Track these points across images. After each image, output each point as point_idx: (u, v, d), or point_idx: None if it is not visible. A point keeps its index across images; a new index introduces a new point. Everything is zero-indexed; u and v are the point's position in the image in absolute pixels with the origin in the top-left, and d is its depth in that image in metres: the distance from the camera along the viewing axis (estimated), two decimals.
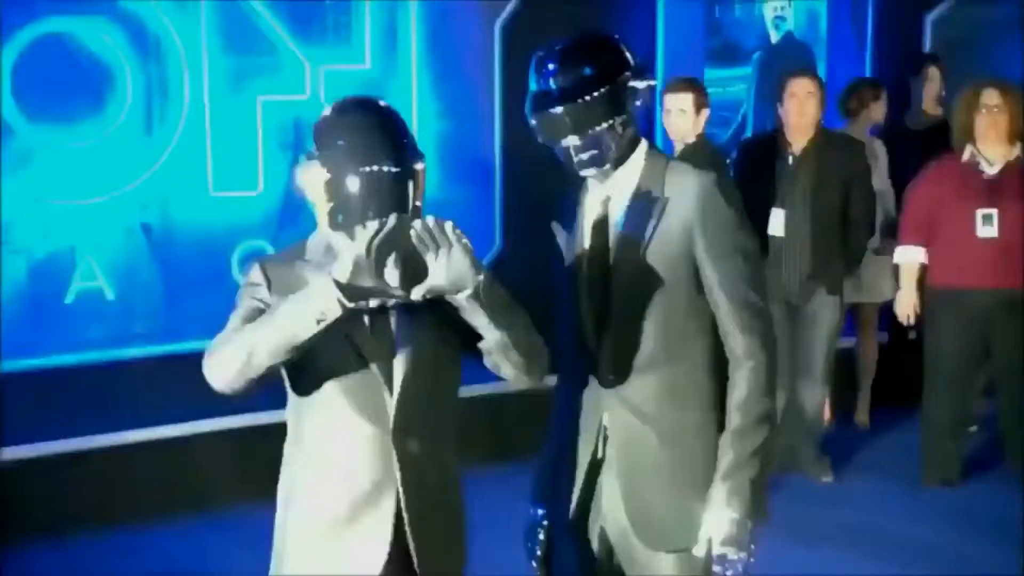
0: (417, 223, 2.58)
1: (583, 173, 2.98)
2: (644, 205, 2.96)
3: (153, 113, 5.80)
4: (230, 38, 5.88)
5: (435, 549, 2.80)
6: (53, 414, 5.59)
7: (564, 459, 3.13)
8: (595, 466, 3.05)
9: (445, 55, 6.33)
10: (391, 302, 2.68)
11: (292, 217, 5.92)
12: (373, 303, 2.68)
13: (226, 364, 2.62)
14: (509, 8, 6.38)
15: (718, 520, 2.90)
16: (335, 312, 2.53)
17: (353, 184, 2.66)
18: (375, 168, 2.67)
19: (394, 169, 2.67)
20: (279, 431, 2.89)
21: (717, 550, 2.90)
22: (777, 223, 5.87)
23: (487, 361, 2.78)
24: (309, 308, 2.55)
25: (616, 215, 3.00)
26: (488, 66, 6.38)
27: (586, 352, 3.03)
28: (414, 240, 2.58)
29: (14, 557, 5.32)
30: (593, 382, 3.03)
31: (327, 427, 2.77)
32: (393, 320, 2.74)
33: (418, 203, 2.73)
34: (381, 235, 2.56)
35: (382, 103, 2.85)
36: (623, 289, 2.97)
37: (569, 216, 3.09)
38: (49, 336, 5.67)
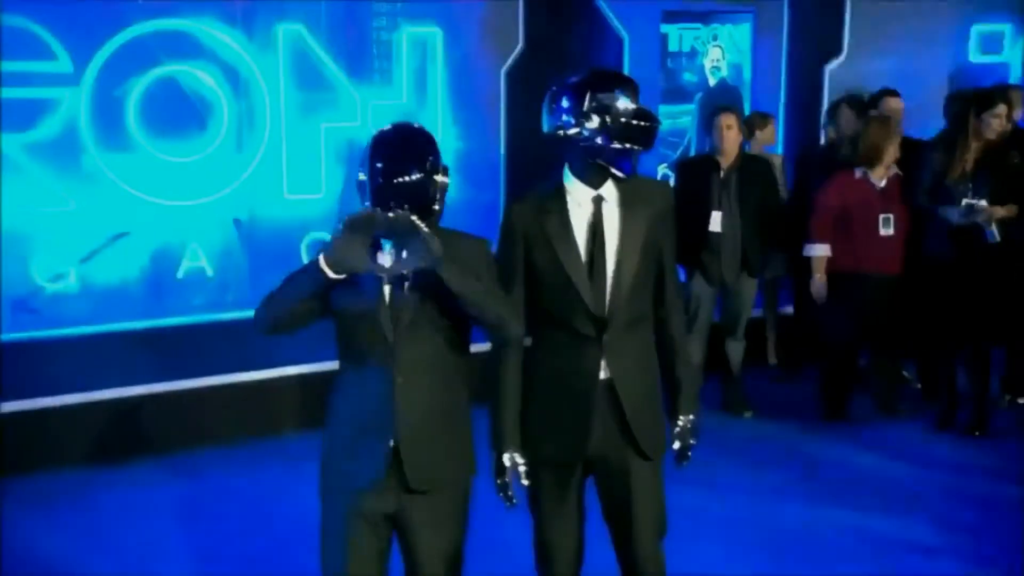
0: (382, 216, 2.59)
1: (624, 174, 2.97)
2: (635, 204, 3.05)
3: (243, 135, 5.91)
4: (301, 79, 5.99)
5: (425, 465, 2.84)
6: (168, 361, 5.76)
7: (540, 408, 3.10)
8: (590, 405, 3.05)
9: (463, 93, 6.40)
10: (381, 275, 2.69)
11: (346, 213, 6.03)
12: (407, 274, 2.71)
13: (266, 316, 2.77)
14: (511, 59, 6.46)
15: (688, 422, 3.20)
16: (328, 276, 2.64)
17: (374, 186, 2.75)
18: (386, 177, 2.74)
19: (402, 179, 2.73)
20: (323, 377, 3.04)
21: (690, 441, 3.20)
22: (716, 222, 5.96)
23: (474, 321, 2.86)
24: (315, 274, 2.67)
25: (611, 211, 3.03)
26: (495, 101, 6.47)
27: (588, 317, 3.01)
28: (385, 229, 2.60)
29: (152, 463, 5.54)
30: (591, 340, 3.02)
31: (351, 369, 2.87)
32: (408, 289, 2.78)
33: (435, 206, 2.81)
34: (349, 224, 2.61)
35: (410, 129, 2.89)
36: (621, 272, 3.02)
37: (560, 213, 3.03)
38: (166, 303, 5.82)
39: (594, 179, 3.02)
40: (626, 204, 3.05)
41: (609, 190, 3.04)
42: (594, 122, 2.92)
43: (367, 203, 2.77)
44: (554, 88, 3.02)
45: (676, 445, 3.20)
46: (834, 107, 6.64)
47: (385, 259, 2.64)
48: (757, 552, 4.55)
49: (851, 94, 6.70)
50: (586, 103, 2.92)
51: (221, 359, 5.90)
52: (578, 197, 3.04)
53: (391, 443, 2.81)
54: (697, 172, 6.08)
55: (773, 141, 6.92)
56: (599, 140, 2.93)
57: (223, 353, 5.88)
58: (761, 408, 6.35)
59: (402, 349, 2.80)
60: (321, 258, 2.66)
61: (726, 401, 6.34)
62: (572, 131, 2.95)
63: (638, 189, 3.07)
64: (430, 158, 2.81)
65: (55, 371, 5.52)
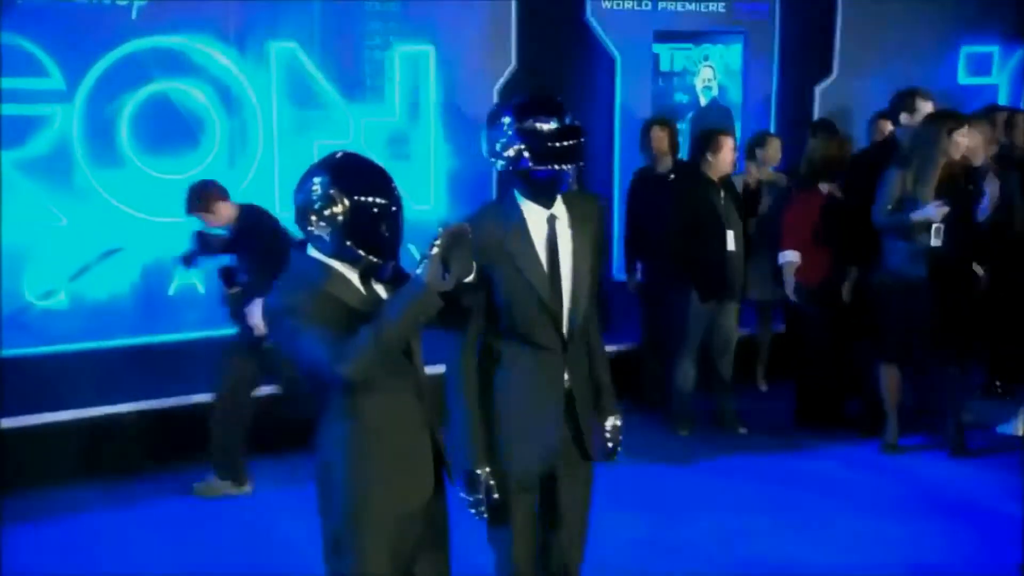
0: (449, 231, 2.60)
1: (561, 192, 3.08)
2: (580, 221, 3.15)
3: (235, 152, 5.91)
4: (294, 96, 5.99)
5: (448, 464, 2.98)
6: (160, 378, 5.70)
7: (512, 424, 3.13)
8: (559, 417, 3.14)
9: (455, 111, 6.38)
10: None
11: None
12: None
13: (370, 361, 2.62)
14: (504, 77, 6.47)
15: (618, 421, 3.37)
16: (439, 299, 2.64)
17: (375, 214, 2.70)
18: (396, 209, 2.74)
19: (398, 209, 2.76)
20: None
21: (618, 440, 3.37)
22: (731, 241, 5.91)
23: (445, 325, 2.92)
24: (428, 305, 2.61)
25: (563, 230, 3.11)
26: None
27: (555, 331, 3.09)
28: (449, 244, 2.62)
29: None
30: (555, 353, 3.11)
31: (380, 395, 2.78)
32: None
33: None
34: (446, 245, 2.60)
35: (370, 159, 2.86)
36: (576, 286, 3.12)
37: (520, 232, 3.08)
38: (158, 320, 5.80)
39: (543, 199, 3.08)
40: (573, 222, 3.14)
41: (560, 208, 3.12)
42: (514, 150, 2.98)
43: (343, 237, 2.69)
44: (487, 118, 3.11)
45: (610, 445, 3.36)
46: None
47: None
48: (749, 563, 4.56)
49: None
50: (508, 132, 3.00)
51: (213, 376, 5.68)
52: (533, 216, 3.10)
53: (430, 449, 2.88)
54: (700, 191, 5.96)
55: (778, 160, 6.82)
56: (525, 166, 2.99)
57: (215, 370, 5.68)
58: (750, 425, 6.30)
59: (418, 360, 2.86)
60: (431, 285, 2.60)
61: (723, 418, 6.27)
62: (500, 160, 3.02)
63: (579, 206, 3.17)
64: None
65: (45, 388, 5.47)
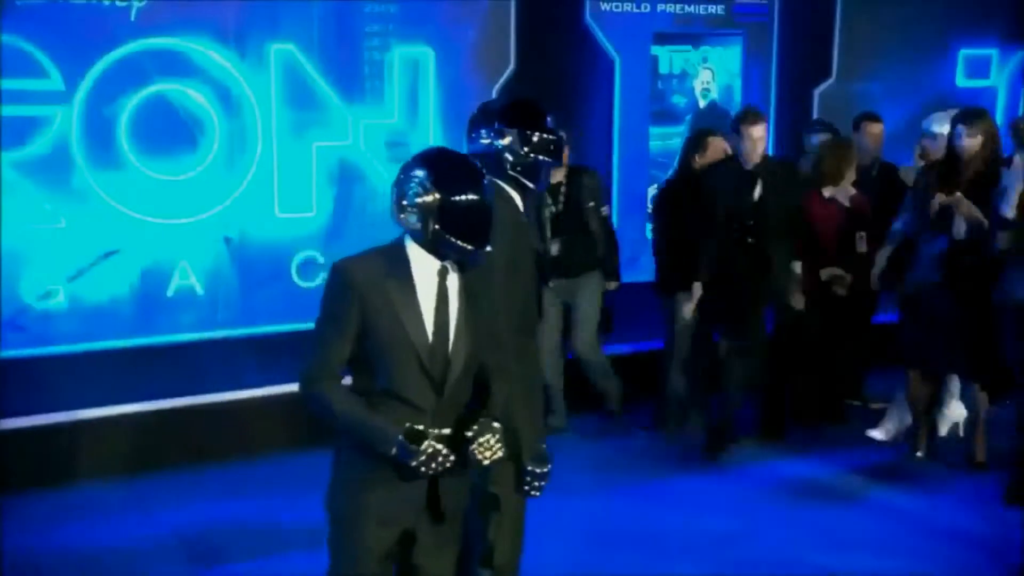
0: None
1: (537, 188, 3.44)
2: None
3: (234, 154, 5.87)
4: (293, 98, 5.95)
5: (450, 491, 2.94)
6: (158, 379, 5.71)
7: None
8: None
9: (454, 113, 6.22)
10: None
11: (337, 233, 6.08)
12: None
13: (318, 414, 2.84)
14: (503, 79, 6.44)
15: None
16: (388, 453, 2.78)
17: (464, 203, 2.80)
18: (475, 193, 2.82)
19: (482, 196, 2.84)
20: None
21: None
22: None
23: None
24: (385, 448, 2.76)
25: None
26: None
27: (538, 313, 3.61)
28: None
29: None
30: None
31: (397, 402, 2.85)
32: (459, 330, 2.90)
33: None
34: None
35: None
36: None
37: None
38: (156, 321, 5.78)
39: (518, 191, 3.40)
40: None
41: None
42: (509, 138, 3.31)
43: (435, 226, 2.79)
44: (474, 114, 3.44)
45: None
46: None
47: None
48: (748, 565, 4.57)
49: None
50: (504, 122, 3.33)
51: (211, 378, 5.84)
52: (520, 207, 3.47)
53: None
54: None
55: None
56: (517, 153, 3.31)
57: (213, 372, 5.83)
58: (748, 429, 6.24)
59: (452, 400, 2.88)
60: (396, 451, 2.76)
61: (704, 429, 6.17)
62: (495, 145, 3.31)
63: None
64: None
65: (43, 390, 5.45)
